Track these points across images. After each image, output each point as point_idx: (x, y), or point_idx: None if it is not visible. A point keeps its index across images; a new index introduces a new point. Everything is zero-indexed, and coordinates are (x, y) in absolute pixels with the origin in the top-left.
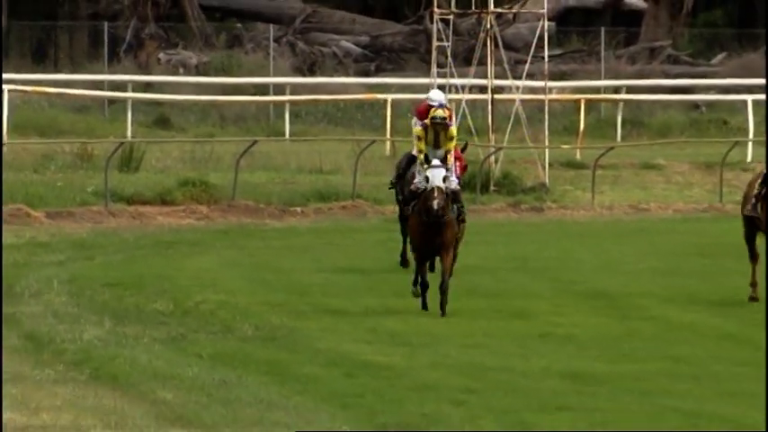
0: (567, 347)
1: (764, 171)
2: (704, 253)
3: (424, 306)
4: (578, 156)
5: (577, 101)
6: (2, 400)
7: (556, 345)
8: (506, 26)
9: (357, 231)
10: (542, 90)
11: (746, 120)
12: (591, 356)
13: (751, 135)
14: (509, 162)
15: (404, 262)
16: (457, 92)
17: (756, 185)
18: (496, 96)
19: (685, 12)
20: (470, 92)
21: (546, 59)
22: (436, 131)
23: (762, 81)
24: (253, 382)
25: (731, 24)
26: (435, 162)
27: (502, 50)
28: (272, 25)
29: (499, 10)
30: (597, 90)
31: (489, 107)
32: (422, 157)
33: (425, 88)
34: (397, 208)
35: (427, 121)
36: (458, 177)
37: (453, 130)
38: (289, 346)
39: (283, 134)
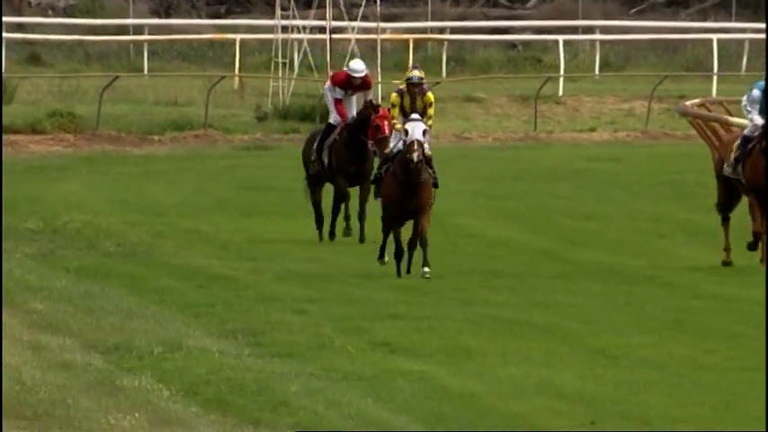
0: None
1: (743, 133)
2: (520, 177)
3: (399, 272)
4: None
5: (406, 40)
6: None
7: (387, 259)
8: None
9: (208, 158)
10: (375, 30)
11: (558, 57)
12: (418, 269)
13: (562, 71)
14: None
15: (321, 237)
16: (298, 32)
17: (735, 147)
18: (334, 36)
19: None
20: (311, 32)
21: (378, 3)
22: (413, 96)
23: (573, 23)
24: (114, 294)
25: None
26: (415, 116)
27: None
28: None
29: None
30: (424, 31)
31: (328, 46)
32: (397, 125)
33: (270, 29)
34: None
35: (402, 85)
36: (386, 135)
37: (431, 95)
38: (147, 261)
39: (142, 70)
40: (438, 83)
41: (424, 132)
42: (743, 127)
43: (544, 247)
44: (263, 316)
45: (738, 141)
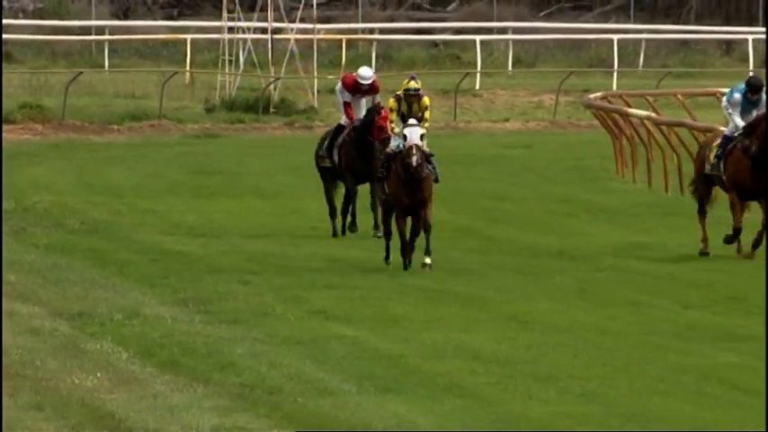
0: (330, 240)
1: (724, 133)
2: (442, 162)
3: (406, 266)
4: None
5: (340, 40)
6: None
7: (322, 233)
8: None
9: (162, 145)
10: (312, 31)
11: (475, 55)
12: (349, 243)
13: (479, 68)
14: (285, 89)
15: (334, 233)
16: (243, 33)
17: (714, 146)
18: (275, 36)
19: None
20: (254, 33)
21: (314, 6)
22: (409, 102)
23: (489, 24)
24: (79, 266)
25: None
26: (412, 121)
27: (280, 0)
28: None
29: None
30: (356, 32)
31: (269, 45)
32: (395, 129)
33: (218, 29)
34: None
35: (400, 92)
36: (390, 135)
37: (426, 99)
38: (108, 237)
39: (103, 66)
40: None
41: (422, 136)
42: (640, 117)
43: (464, 224)
44: (212, 286)
45: (719, 140)
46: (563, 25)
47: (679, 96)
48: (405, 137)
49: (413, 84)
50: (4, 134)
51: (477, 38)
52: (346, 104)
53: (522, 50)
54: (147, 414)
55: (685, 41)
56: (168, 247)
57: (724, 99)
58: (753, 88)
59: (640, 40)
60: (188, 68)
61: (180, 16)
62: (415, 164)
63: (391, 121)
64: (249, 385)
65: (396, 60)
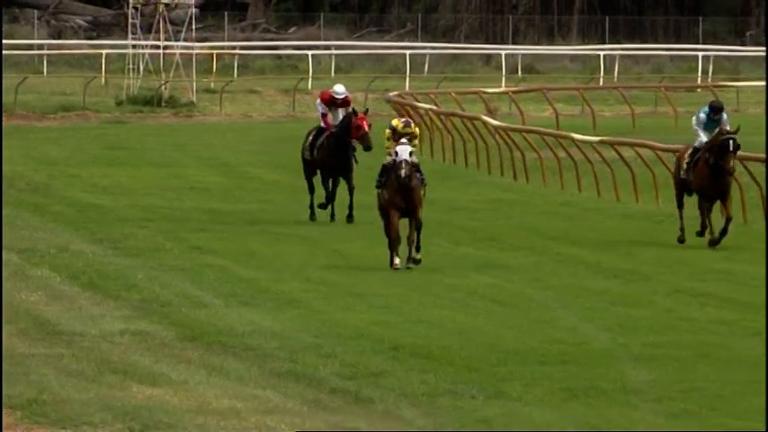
0: (205, 194)
1: (693, 146)
2: (284, 141)
3: (392, 262)
4: (212, 85)
5: (211, 54)
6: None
7: (199, 192)
8: (171, 9)
9: (85, 129)
10: (191, 47)
11: (308, 65)
12: (219, 199)
13: (311, 74)
14: (173, 89)
15: (312, 215)
16: (142, 48)
17: (686, 155)
18: (165, 51)
19: (273, 2)
20: (150, 48)
21: (193, 29)
22: (401, 135)
23: (318, 43)
24: (25, 215)
25: (299, 10)
26: (403, 140)
27: (169, 25)
28: (35, 11)
29: (166, 1)
30: (223, 48)
31: (161, 57)
32: (390, 153)
33: (125, 46)
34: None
35: (395, 123)
36: (366, 131)
37: (416, 129)
38: (46, 195)
39: (43, 73)
40: (231, 81)
41: (411, 153)
42: (425, 109)
43: (299, 185)
44: (120, 230)
45: (689, 152)
46: (370, 43)
47: (452, 94)
48: (396, 153)
49: (408, 129)
50: None
51: (310, 52)
52: (323, 115)
53: (341, 61)
54: (74, 321)
55: (456, 55)
56: (89, 201)
57: (693, 118)
58: (714, 110)
59: (425, 54)
60: (104, 74)
61: (98, 36)
62: (403, 175)
63: (387, 148)
64: (147, 300)
65: (251, 68)
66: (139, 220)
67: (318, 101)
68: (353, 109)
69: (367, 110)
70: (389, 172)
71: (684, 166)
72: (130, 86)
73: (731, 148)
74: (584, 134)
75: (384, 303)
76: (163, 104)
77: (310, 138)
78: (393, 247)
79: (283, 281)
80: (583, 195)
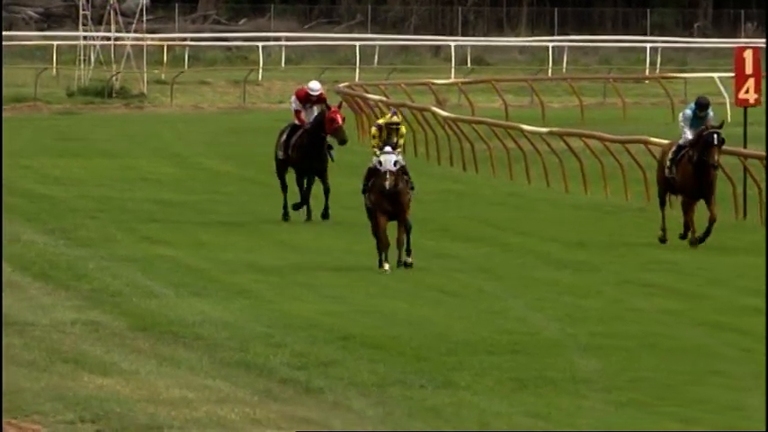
0: (156, 185)
1: (677, 143)
2: (234, 132)
3: (381, 264)
4: (163, 76)
5: (162, 45)
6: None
7: (150, 183)
8: (122, 1)
9: (37, 120)
10: (142, 39)
11: (258, 56)
12: (170, 190)
13: (261, 65)
14: (124, 81)
15: (286, 215)
16: (93, 40)
17: (670, 153)
18: (116, 42)
19: None
20: (101, 40)
21: (144, 21)
22: (389, 132)
23: (268, 34)
24: None
25: (249, 1)
26: (387, 149)
27: (120, 16)
28: None
29: None
30: (174, 39)
31: (112, 49)
32: (376, 152)
33: (76, 38)
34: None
35: (382, 122)
36: (340, 125)
37: (403, 128)
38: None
39: None
40: (182, 72)
41: (395, 163)
42: (375, 101)
43: (249, 176)
44: (71, 220)
45: (674, 149)
46: (320, 35)
47: (402, 85)
48: (380, 162)
49: (395, 118)
50: None
51: (260, 44)
52: (297, 111)
53: (291, 53)
54: (26, 311)
55: (406, 46)
56: (41, 192)
57: (680, 115)
58: (700, 106)
59: (375, 45)
60: (55, 65)
61: (49, 28)
62: (388, 187)
63: (373, 146)
64: (98, 290)
65: (202, 60)
66: (91, 211)
67: (293, 98)
68: (327, 105)
69: (341, 102)
70: (376, 176)
71: (668, 163)
72: (82, 78)
73: (715, 142)
74: (533, 125)
75: (334, 294)
76: (114, 96)
77: (283, 136)
78: (381, 249)
79: (234, 271)
80: (532, 186)
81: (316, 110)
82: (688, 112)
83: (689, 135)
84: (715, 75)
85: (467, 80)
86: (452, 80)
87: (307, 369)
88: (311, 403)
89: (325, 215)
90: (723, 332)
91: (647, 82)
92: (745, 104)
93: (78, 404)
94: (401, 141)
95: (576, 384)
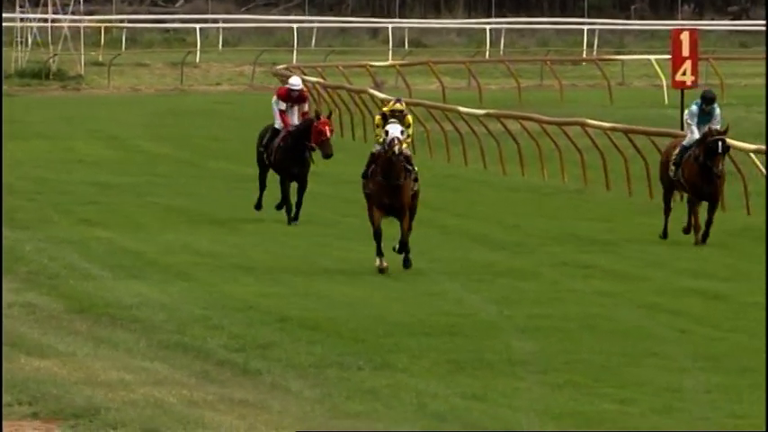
0: (93, 167)
1: (682, 143)
2: (172, 114)
3: (380, 252)
4: (100, 58)
5: (99, 27)
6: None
7: (87, 165)
8: None
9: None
10: (80, 21)
11: (196, 38)
12: (108, 172)
13: (198, 48)
14: (61, 62)
15: (258, 205)
16: (30, 22)
17: (673, 154)
18: (54, 24)
19: None
20: (38, 22)
21: (81, 3)
22: (392, 116)
23: (205, 16)
24: None
25: None
26: (393, 120)
27: None
28: None
29: None
30: (111, 21)
31: (49, 30)
32: (379, 140)
33: (14, 19)
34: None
35: (386, 110)
36: (327, 138)
37: (409, 118)
38: None
39: None
40: (119, 54)
41: (402, 132)
42: (312, 83)
43: (187, 158)
44: (8, 202)
45: (678, 149)
46: (258, 17)
47: (340, 67)
48: (386, 132)
49: (398, 105)
50: None
51: (197, 26)
52: (281, 112)
53: (229, 35)
54: None
55: (344, 29)
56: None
57: (686, 112)
58: (706, 100)
59: (312, 27)
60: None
61: None
62: (396, 151)
63: (377, 136)
64: (35, 272)
65: (139, 42)
66: (28, 193)
67: (275, 98)
68: (317, 112)
69: (330, 113)
70: (377, 162)
71: (672, 166)
72: (18, 59)
73: (720, 150)
74: (470, 107)
75: (271, 276)
76: (51, 77)
77: (264, 140)
78: (376, 239)
79: (171, 253)
80: (469, 168)
81: (297, 109)
82: (694, 108)
83: (696, 134)
84: (652, 57)
85: (404, 62)
86: (390, 62)
87: (244, 351)
88: (249, 385)
89: (294, 218)
90: (661, 314)
91: (584, 64)
92: (681, 87)
93: (15, 386)
94: (409, 131)
95: (513, 366)
